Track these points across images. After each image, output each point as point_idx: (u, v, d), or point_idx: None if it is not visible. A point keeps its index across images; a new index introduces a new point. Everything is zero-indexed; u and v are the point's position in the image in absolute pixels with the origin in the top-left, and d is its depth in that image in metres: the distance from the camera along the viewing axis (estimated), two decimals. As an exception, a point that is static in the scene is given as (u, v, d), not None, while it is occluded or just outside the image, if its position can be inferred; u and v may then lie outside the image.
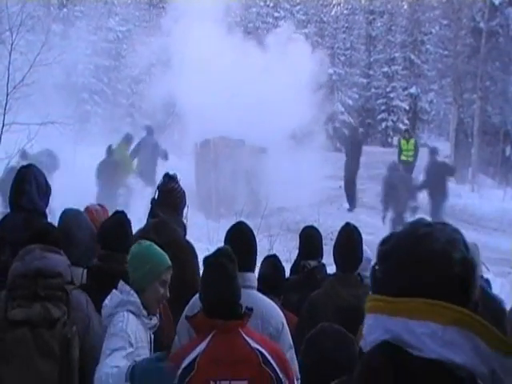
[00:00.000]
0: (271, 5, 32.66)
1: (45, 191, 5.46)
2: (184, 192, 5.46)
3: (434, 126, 34.56)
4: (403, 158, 19.61)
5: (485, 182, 18.49)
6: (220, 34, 19.88)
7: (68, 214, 4.77)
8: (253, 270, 4.17)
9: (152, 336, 3.79)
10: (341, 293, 4.29)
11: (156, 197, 5.37)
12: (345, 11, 35.78)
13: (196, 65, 18.42)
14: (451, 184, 20.37)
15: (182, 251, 4.94)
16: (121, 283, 3.73)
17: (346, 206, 18.08)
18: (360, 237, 4.53)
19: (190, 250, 5.16)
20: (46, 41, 17.94)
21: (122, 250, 4.24)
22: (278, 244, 12.77)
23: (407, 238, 1.72)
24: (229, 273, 3.44)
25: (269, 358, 3.40)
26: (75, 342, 3.52)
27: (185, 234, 5.36)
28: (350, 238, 4.50)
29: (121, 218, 4.55)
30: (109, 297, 3.70)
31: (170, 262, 3.79)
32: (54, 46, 27.64)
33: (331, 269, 5.45)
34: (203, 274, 3.56)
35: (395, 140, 33.19)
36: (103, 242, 4.44)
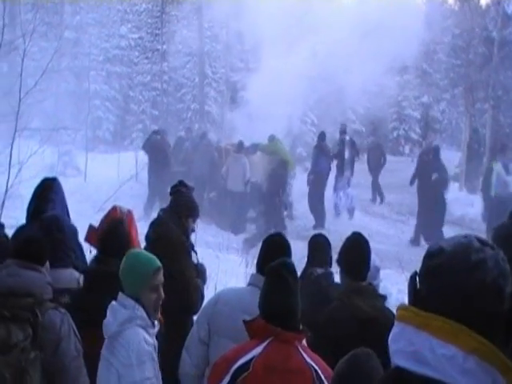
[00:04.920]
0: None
1: (66, 204, 5.52)
2: (192, 201, 5.51)
3: (446, 136, 34.43)
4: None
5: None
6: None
7: (48, 218, 4.81)
8: None
9: (156, 342, 3.79)
10: (359, 304, 4.23)
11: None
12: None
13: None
14: (463, 193, 20.34)
15: (171, 247, 5.08)
16: (121, 296, 3.71)
17: (357, 213, 17.98)
18: (368, 245, 4.50)
19: (180, 247, 5.26)
20: (58, 47, 18.05)
21: (115, 254, 4.28)
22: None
23: (459, 262, 1.70)
24: (290, 285, 3.46)
25: (322, 376, 3.39)
26: (33, 369, 3.42)
27: (186, 236, 5.41)
28: (358, 245, 4.47)
29: (117, 224, 4.59)
30: (110, 311, 3.68)
31: (157, 264, 3.78)
32: (67, 52, 27.87)
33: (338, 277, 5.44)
34: (265, 282, 3.56)
35: (407, 149, 33.13)
36: (99, 246, 4.47)
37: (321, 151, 17.27)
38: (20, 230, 5.06)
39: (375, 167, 19.92)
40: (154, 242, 4.87)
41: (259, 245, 4.46)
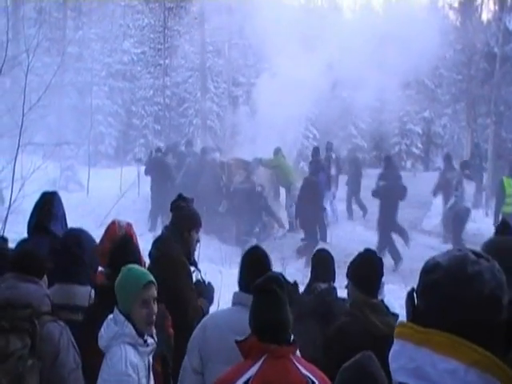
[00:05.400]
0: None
1: (65, 218, 5.53)
2: (194, 213, 5.51)
3: (448, 150, 34.46)
4: (507, 209, 15.44)
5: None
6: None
7: (70, 234, 4.75)
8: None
9: (150, 361, 3.78)
10: (373, 320, 4.22)
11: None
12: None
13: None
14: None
15: (171, 266, 5.09)
16: (115, 312, 3.71)
17: (360, 228, 17.96)
18: (381, 262, 4.49)
19: (180, 267, 5.23)
20: (61, 63, 18.13)
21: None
22: (290, 267, 12.75)
23: (456, 276, 1.71)
24: (279, 299, 3.47)
25: None
26: (30, 376, 3.44)
27: (189, 254, 5.40)
28: (372, 262, 4.45)
29: (127, 239, 4.59)
30: (105, 325, 3.69)
31: (147, 278, 3.76)
32: (69, 67, 27.99)
33: (342, 292, 5.43)
34: (254, 299, 3.55)
35: (408, 163, 33.15)
36: (109, 261, 4.47)
37: (317, 165, 17.34)
38: (21, 244, 5.12)
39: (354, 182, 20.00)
40: (156, 260, 4.86)
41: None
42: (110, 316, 3.71)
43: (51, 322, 3.67)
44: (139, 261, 4.48)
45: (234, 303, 4.20)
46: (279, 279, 3.55)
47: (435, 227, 19.00)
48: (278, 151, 17.44)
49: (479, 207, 20.37)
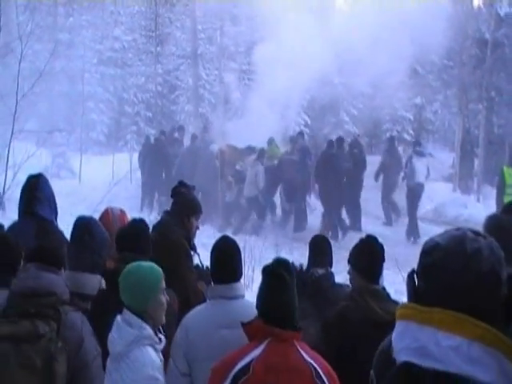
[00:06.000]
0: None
1: (53, 200, 5.52)
2: (194, 200, 5.56)
3: (439, 137, 34.44)
4: (508, 199, 12.90)
5: (490, 193, 18.45)
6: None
7: (81, 222, 4.75)
8: (238, 280, 4.21)
9: (161, 357, 3.75)
10: (373, 306, 4.23)
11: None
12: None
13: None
14: (456, 194, 20.40)
15: (171, 249, 5.15)
16: (127, 313, 3.64)
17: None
18: (383, 249, 4.50)
19: (181, 250, 5.30)
20: (53, 50, 18.03)
21: (140, 252, 4.31)
22: (284, 253, 12.79)
23: (456, 254, 1.74)
24: (287, 284, 3.47)
25: (321, 373, 3.41)
26: (60, 357, 3.51)
27: (189, 239, 5.44)
28: (374, 248, 4.46)
29: (140, 225, 4.59)
30: (116, 328, 3.63)
31: (161, 273, 3.74)
32: (60, 54, 27.81)
33: (340, 277, 5.47)
34: (262, 282, 3.55)
35: (400, 150, 33.14)
36: (121, 246, 4.46)
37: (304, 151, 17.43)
38: (10, 229, 5.20)
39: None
40: (156, 243, 4.89)
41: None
42: (119, 318, 3.65)
43: (73, 311, 3.74)
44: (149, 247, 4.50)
45: (209, 298, 4.18)
46: (287, 263, 3.57)
47: (427, 213, 19.09)
48: (271, 141, 17.46)
49: (470, 193, 20.47)
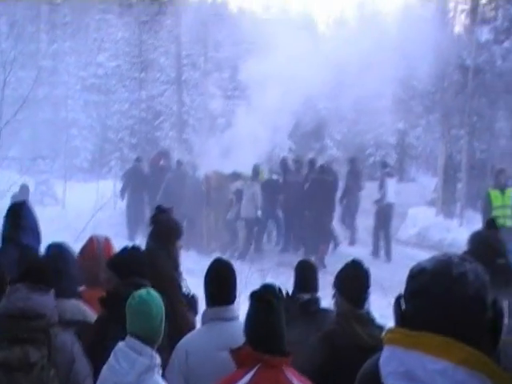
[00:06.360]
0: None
1: (37, 228, 5.49)
2: (176, 224, 5.53)
3: (422, 161, 34.75)
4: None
5: (473, 217, 18.55)
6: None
7: (53, 248, 4.73)
8: (233, 302, 4.22)
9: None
10: (360, 332, 4.23)
11: (151, 228, 5.51)
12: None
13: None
14: (439, 218, 20.50)
15: (162, 281, 4.94)
16: (135, 342, 3.58)
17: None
18: (369, 273, 4.51)
19: (171, 281, 5.23)
20: (37, 77, 18.04)
21: (143, 276, 4.30)
22: (270, 278, 12.75)
23: (441, 278, 1.76)
24: (275, 309, 3.46)
25: None
26: None
27: (177, 265, 5.41)
28: (360, 273, 4.47)
29: (138, 250, 4.57)
30: (123, 358, 3.56)
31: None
32: (44, 81, 27.83)
33: (325, 302, 5.45)
34: (250, 308, 3.54)
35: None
36: (118, 270, 4.39)
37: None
38: None
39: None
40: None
41: None
42: (123, 346, 3.60)
43: (63, 332, 3.71)
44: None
45: (205, 321, 4.17)
46: (275, 289, 3.56)
47: (411, 237, 19.16)
48: (256, 168, 17.53)
49: (453, 217, 20.56)
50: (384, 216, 16.85)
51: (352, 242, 18.05)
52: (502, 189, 13.48)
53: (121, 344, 3.62)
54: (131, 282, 4.23)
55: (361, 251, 16.41)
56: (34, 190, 21.30)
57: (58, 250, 4.64)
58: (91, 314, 4.49)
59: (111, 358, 3.61)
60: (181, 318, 5.02)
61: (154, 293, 3.74)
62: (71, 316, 4.25)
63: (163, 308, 3.70)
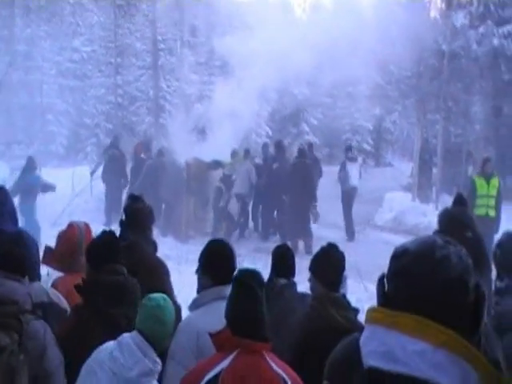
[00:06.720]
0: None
1: (14, 213, 5.46)
2: (151, 210, 5.53)
3: (398, 147, 34.90)
4: (479, 211, 13.25)
5: (448, 201, 18.66)
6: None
7: (12, 234, 4.72)
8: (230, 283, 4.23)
9: None
10: (334, 315, 4.25)
11: (124, 218, 5.47)
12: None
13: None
14: (415, 203, 20.64)
15: (154, 270, 5.08)
16: (140, 338, 3.60)
17: (313, 225, 18.10)
18: (343, 256, 4.55)
19: (162, 269, 5.25)
20: (10, 62, 17.85)
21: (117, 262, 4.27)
22: (246, 264, 12.80)
23: (424, 260, 1.77)
24: (257, 294, 3.44)
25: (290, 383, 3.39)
26: (22, 370, 3.46)
27: (155, 247, 5.45)
28: (335, 256, 4.52)
29: (109, 238, 4.53)
30: (128, 352, 3.57)
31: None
32: (19, 66, 27.52)
33: (302, 287, 5.49)
34: (231, 292, 3.52)
35: (359, 159, 33.43)
36: (91, 259, 4.38)
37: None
38: None
39: None
40: (133, 266, 4.70)
41: None
42: (130, 340, 3.60)
43: (35, 320, 3.69)
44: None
45: (206, 302, 4.14)
46: (258, 274, 3.54)
47: (387, 222, 19.27)
48: (235, 154, 17.50)
49: (429, 202, 20.70)
50: (347, 198, 17.09)
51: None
52: (488, 178, 13.57)
53: (127, 337, 3.62)
54: (108, 268, 4.23)
55: (338, 235, 16.50)
56: (8, 175, 21.15)
57: (17, 235, 4.60)
58: (55, 293, 4.49)
59: (114, 347, 3.60)
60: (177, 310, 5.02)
61: (169, 300, 3.76)
62: (35, 298, 4.24)
63: (174, 318, 3.73)
